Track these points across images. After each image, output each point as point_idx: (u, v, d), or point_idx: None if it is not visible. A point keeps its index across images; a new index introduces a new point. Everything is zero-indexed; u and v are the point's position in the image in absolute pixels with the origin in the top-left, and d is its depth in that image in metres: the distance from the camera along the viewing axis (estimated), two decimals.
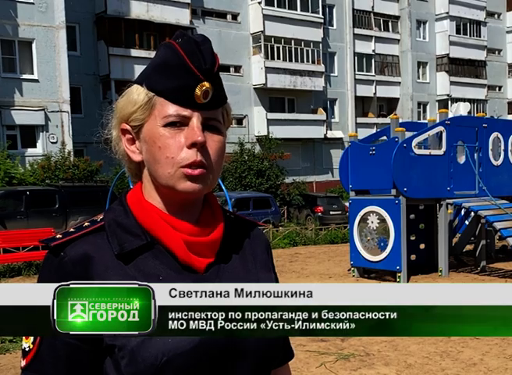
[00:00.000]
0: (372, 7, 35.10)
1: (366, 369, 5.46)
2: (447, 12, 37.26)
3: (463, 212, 11.87)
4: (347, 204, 12.60)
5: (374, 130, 28.13)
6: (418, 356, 5.85)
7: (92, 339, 0.95)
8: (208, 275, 1.03)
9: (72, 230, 1.04)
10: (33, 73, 21.18)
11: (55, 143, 21.22)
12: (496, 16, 41.30)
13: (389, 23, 36.29)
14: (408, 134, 10.42)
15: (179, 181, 1.00)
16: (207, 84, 1.00)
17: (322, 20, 31.69)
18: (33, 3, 20.88)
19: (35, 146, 21.33)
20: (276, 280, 1.18)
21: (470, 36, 38.57)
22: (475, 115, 14.73)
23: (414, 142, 10.11)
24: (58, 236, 1.02)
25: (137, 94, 1.03)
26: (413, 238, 11.24)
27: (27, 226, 13.23)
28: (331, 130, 32.80)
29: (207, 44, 1.02)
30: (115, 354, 0.96)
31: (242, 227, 1.17)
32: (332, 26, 33.50)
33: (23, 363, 1.00)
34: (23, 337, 1.01)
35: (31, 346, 0.99)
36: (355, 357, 5.85)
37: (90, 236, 1.02)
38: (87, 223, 1.05)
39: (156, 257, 1.02)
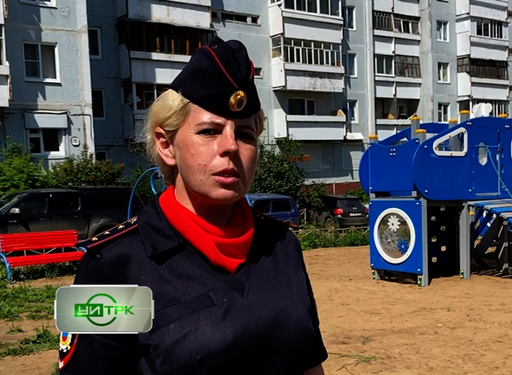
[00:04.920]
0: (392, 8, 34.90)
1: (387, 372, 5.43)
2: (468, 13, 36.92)
3: (484, 214, 11.77)
4: (367, 206, 12.56)
5: (394, 132, 27.99)
6: (440, 359, 5.81)
7: (128, 338, 0.98)
8: (239, 275, 1.05)
9: (107, 232, 1.06)
10: (55, 77, 21.45)
11: (78, 146, 21.46)
12: None
13: (409, 24, 36.06)
14: (429, 136, 10.36)
15: (211, 188, 1.02)
16: (241, 93, 1.01)
17: (342, 22, 31.59)
18: (55, 8, 21.17)
19: (58, 149, 21.58)
20: (307, 279, 1.19)
21: (491, 36, 38.15)
22: (497, 116, 14.59)
23: (435, 144, 10.05)
24: (93, 239, 1.05)
25: (172, 99, 1.05)
26: (434, 240, 11.16)
27: (50, 229, 13.38)
28: (350, 131, 32.69)
29: (242, 52, 1.04)
30: (150, 353, 0.97)
31: (272, 228, 1.18)
32: (352, 27, 33.39)
33: (61, 365, 1.01)
34: (61, 339, 1.02)
35: (69, 347, 1.00)
36: (376, 360, 5.82)
37: (125, 238, 1.04)
38: (121, 226, 1.07)
39: (188, 258, 1.04)
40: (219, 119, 1.01)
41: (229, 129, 1.01)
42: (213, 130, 1.02)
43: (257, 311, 1.02)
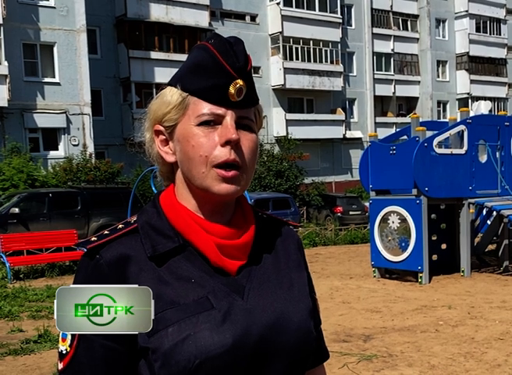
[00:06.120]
0: (391, 6, 34.89)
1: (389, 370, 5.43)
2: (467, 11, 36.93)
3: (485, 212, 11.77)
4: (367, 204, 12.56)
5: (393, 130, 28.00)
6: (442, 357, 5.81)
7: (127, 340, 0.96)
8: (239, 277, 1.03)
9: (106, 232, 1.04)
10: (54, 77, 21.43)
11: (77, 145, 21.45)
12: None
13: (408, 22, 36.06)
14: (429, 134, 10.36)
15: (213, 182, 1.00)
16: (240, 82, 1.00)
17: (341, 20, 31.58)
18: (54, 7, 21.14)
19: (57, 149, 21.56)
20: (309, 279, 1.17)
21: (490, 34, 38.16)
22: (497, 113, 14.59)
23: (435, 141, 10.05)
24: (93, 239, 1.02)
25: (171, 95, 1.03)
26: (434, 238, 11.16)
27: (50, 228, 13.37)
28: (350, 130, 32.69)
29: (240, 45, 1.03)
30: (149, 356, 0.96)
31: (274, 227, 1.16)
32: (351, 25, 33.38)
33: (61, 366, 1.00)
34: (60, 340, 1.01)
35: (68, 349, 0.99)
36: (378, 358, 5.82)
37: (125, 238, 1.02)
38: (120, 226, 1.05)
39: (188, 259, 1.02)
40: (219, 110, 1.00)
41: (229, 119, 1.00)
42: (213, 122, 1.00)
43: (257, 314, 1.00)
